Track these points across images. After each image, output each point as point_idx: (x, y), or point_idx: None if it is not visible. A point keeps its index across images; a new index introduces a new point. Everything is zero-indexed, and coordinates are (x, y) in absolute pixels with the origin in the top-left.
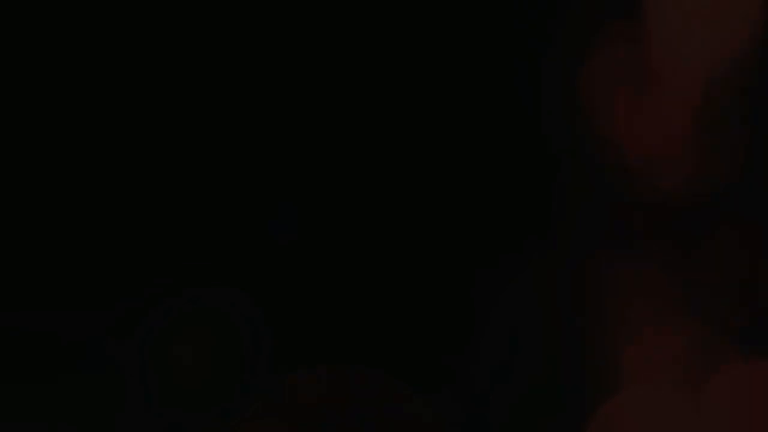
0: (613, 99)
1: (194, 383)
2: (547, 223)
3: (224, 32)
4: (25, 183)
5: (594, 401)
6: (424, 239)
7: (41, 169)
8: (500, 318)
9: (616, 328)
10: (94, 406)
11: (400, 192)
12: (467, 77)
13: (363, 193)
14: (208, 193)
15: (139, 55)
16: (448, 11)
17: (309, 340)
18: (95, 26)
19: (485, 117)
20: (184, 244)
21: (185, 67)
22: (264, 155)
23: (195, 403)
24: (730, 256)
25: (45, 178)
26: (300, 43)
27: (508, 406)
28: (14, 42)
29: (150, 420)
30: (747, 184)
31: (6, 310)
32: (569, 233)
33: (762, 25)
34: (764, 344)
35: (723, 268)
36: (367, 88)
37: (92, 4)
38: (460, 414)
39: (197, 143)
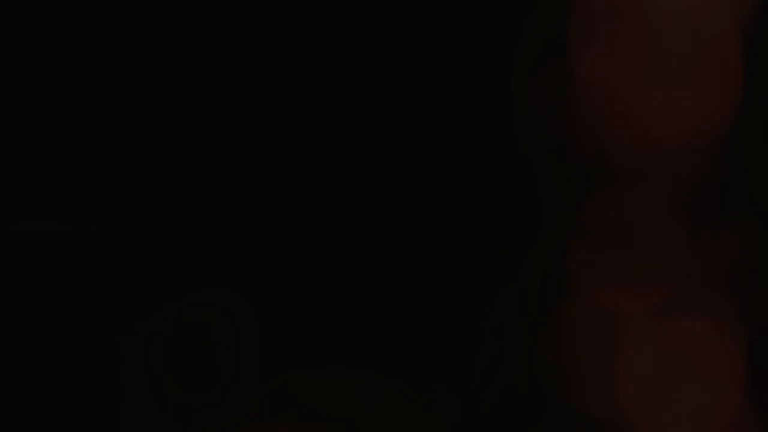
0: (600, 95)
1: (191, 384)
2: (540, 220)
3: (213, 36)
4: (29, 182)
5: (591, 401)
6: (418, 241)
7: (45, 170)
8: (496, 317)
9: (611, 327)
10: (94, 406)
11: (394, 193)
12: (455, 80)
13: (358, 195)
14: (207, 195)
15: (137, 58)
16: (434, 16)
17: (306, 340)
18: (94, 26)
19: (471, 118)
20: (181, 246)
21: (182, 71)
22: (262, 158)
23: (193, 404)
24: (727, 251)
25: (49, 179)
26: (291, 46)
27: (504, 405)
28: (14, 42)
29: (148, 420)
30: (743, 179)
31: (10, 308)
32: (561, 231)
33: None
34: (763, 340)
35: (721, 263)
36: (354, 90)
37: (92, 4)
38: (458, 413)
39: (198, 145)
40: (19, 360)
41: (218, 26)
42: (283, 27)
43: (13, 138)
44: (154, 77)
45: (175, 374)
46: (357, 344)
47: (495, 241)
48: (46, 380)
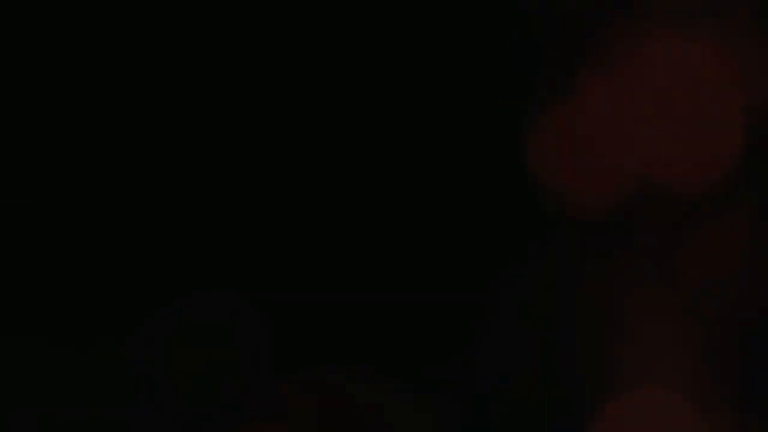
0: (608, 99)
1: (196, 385)
2: (546, 224)
3: (213, 36)
4: (36, 188)
5: (594, 402)
6: (424, 242)
7: (45, 170)
8: (500, 318)
9: (615, 329)
10: (97, 407)
11: (401, 196)
12: (468, 81)
13: (362, 194)
14: (212, 196)
15: (137, 59)
16: (444, 19)
17: (310, 341)
18: (94, 26)
19: (479, 118)
20: (186, 248)
21: (182, 71)
22: (262, 158)
23: (197, 405)
24: (729, 254)
25: (49, 180)
26: (291, 46)
27: (507, 407)
28: (14, 42)
29: (154, 421)
30: (745, 183)
31: (12, 309)
32: (568, 235)
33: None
34: (763, 342)
35: (722, 266)
36: (370, 91)
37: (92, 4)
38: (460, 414)
39: (198, 145)
40: (23, 362)
41: (218, 26)
42: (283, 27)
43: (12, 138)
44: (154, 77)
45: (180, 375)
46: (358, 344)
47: (499, 242)
48: (49, 382)
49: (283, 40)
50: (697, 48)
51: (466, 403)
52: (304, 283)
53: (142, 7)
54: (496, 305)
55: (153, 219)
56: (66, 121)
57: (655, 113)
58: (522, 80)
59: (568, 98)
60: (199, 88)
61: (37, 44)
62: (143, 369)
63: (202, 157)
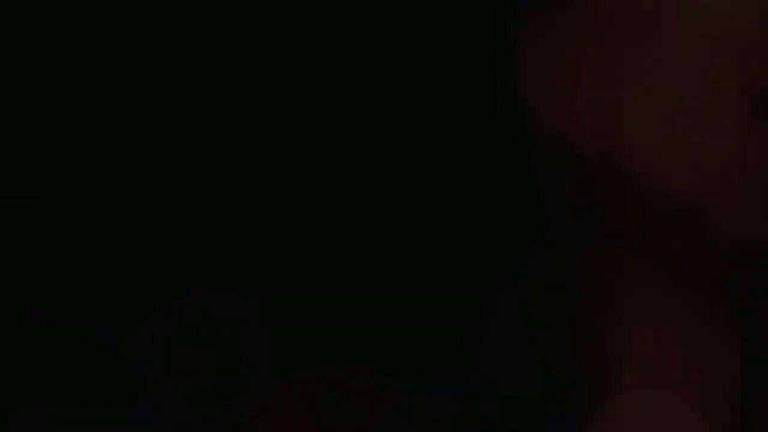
0: (609, 98)
1: (196, 384)
2: (547, 223)
3: (213, 36)
4: (36, 188)
5: (594, 402)
6: (423, 242)
7: (45, 170)
8: (500, 318)
9: (615, 329)
10: (95, 406)
11: (400, 195)
12: (465, 78)
13: (363, 195)
14: (213, 195)
15: (137, 58)
16: (443, 19)
17: (310, 341)
18: (94, 26)
19: (479, 116)
20: (187, 246)
21: (182, 70)
22: (263, 157)
23: (197, 404)
24: (728, 254)
25: (49, 180)
26: (291, 46)
27: (507, 407)
28: (14, 42)
29: (154, 421)
30: (745, 183)
31: (12, 308)
32: (568, 233)
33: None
34: (763, 342)
35: (722, 266)
36: (368, 90)
37: (92, 3)
38: (460, 414)
39: (198, 145)
40: (23, 362)
41: (218, 26)
42: (283, 26)
43: (12, 138)
44: (153, 77)
45: (180, 375)
46: (358, 344)
47: (503, 240)
48: (49, 382)
49: (283, 40)
50: (698, 49)
51: (466, 403)
52: (304, 283)
53: (142, 7)
54: (496, 305)
55: (152, 219)
56: (65, 121)
57: (656, 114)
58: (522, 80)
59: (568, 98)
60: (198, 88)
61: (37, 44)
62: (143, 369)
63: (202, 157)
